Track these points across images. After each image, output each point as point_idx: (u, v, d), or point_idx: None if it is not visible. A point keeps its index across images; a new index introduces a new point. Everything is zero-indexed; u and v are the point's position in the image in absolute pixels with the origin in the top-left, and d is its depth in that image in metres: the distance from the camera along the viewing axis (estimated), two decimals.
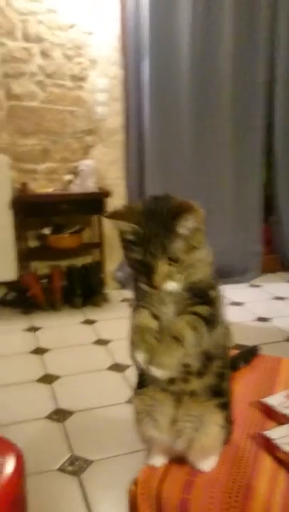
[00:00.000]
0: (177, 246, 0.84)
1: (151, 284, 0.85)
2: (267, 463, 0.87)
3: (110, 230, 3.61)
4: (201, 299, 0.90)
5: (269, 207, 4.09)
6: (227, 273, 3.82)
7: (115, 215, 0.86)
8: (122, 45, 3.50)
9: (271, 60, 3.77)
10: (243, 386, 0.97)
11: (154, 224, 0.84)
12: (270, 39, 3.73)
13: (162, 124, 3.55)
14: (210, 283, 0.92)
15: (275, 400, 1.02)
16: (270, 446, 0.89)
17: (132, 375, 0.95)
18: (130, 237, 0.85)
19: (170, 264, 0.85)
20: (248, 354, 1.28)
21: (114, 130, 3.61)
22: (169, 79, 3.52)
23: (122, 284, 3.71)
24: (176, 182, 3.67)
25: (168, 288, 0.86)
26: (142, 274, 0.86)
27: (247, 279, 3.87)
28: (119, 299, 3.49)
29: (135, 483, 0.86)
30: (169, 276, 0.85)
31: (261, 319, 3.06)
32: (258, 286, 3.79)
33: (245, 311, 3.20)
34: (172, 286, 0.87)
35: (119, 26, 3.46)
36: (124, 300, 3.47)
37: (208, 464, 0.88)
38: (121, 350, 2.62)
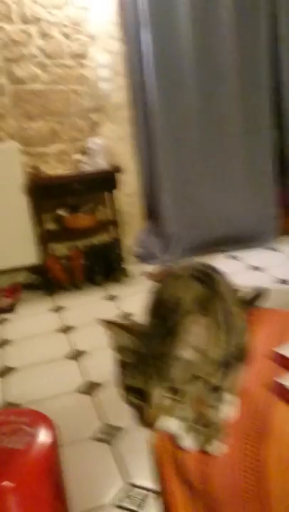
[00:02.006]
0: (178, 372, 0.71)
1: (144, 418, 0.71)
2: (280, 407, 0.90)
3: (126, 205, 3.64)
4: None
5: (284, 169, 4.04)
6: (244, 239, 3.83)
7: (114, 327, 0.76)
8: (121, 19, 3.45)
9: (276, 18, 3.67)
10: (257, 338, 0.99)
11: (152, 342, 0.72)
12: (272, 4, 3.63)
13: (168, 96, 3.53)
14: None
15: (287, 350, 1.04)
16: (283, 392, 0.92)
17: None
18: (125, 355, 0.74)
19: (168, 396, 0.71)
20: (259, 294, 1.28)
21: (120, 105, 3.60)
22: (171, 50, 3.48)
23: (141, 258, 3.75)
24: (186, 151, 3.67)
25: (164, 427, 0.74)
26: (133, 408, 0.73)
27: (264, 242, 3.86)
28: (138, 273, 3.54)
29: (158, 436, 0.91)
30: (167, 409, 0.71)
31: (282, 281, 3.06)
32: (275, 249, 3.78)
33: (265, 275, 3.20)
34: (171, 425, 0.74)
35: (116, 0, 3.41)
36: (143, 274, 3.51)
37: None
38: None
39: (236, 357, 0.92)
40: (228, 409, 0.89)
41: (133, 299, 3.06)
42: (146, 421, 0.71)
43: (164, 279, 0.91)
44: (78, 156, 3.47)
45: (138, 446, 1.69)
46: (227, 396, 0.88)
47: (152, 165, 3.68)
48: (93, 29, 3.39)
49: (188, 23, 3.45)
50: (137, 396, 0.73)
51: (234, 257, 3.65)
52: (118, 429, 1.79)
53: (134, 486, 1.51)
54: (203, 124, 3.67)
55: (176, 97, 3.57)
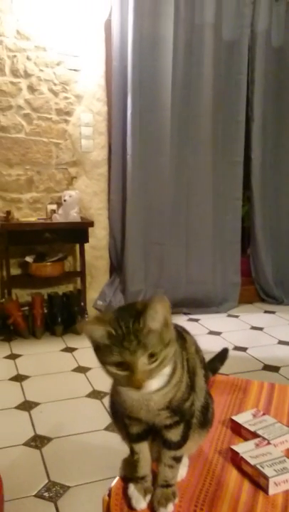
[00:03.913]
0: (153, 341, 0.83)
1: (133, 384, 0.83)
2: (233, 474, 0.92)
3: (92, 258, 3.69)
4: (177, 414, 0.90)
5: (247, 239, 4.22)
6: (206, 303, 3.92)
7: (88, 323, 0.87)
8: (107, 83, 3.65)
9: (250, 99, 3.97)
10: (214, 405, 1.03)
11: (127, 323, 0.83)
12: (248, 80, 3.94)
13: (143, 158, 3.68)
14: (183, 395, 0.92)
15: (242, 418, 1.08)
16: (236, 460, 0.95)
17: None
18: (106, 341, 0.84)
19: (150, 362, 0.83)
20: (222, 356, 1.35)
21: (99, 163, 3.72)
22: (150, 116, 3.66)
23: None
24: (156, 213, 3.78)
25: (150, 388, 0.84)
26: (121, 378, 0.84)
27: (225, 309, 3.96)
28: None
29: (109, 493, 0.91)
30: (149, 373, 0.83)
31: (238, 348, 3.12)
32: (235, 316, 3.88)
33: (223, 341, 3.27)
34: (153, 385, 0.85)
35: (104, 65, 3.62)
36: None
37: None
38: (100, 378, 2.65)
39: (199, 422, 0.96)
40: (182, 471, 0.91)
41: (91, 352, 3.03)
42: (135, 386, 0.83)
43: None
44: (52, 207, 3.53)
45: (83, 507, 1.65)
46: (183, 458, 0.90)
47: (123, 222, 3.77)
48: (81, 89, 3.56)
49: (169, 96, 3.66)
50: (122, 368, 0.83)
51: (195, 320, 3.71)
52: (65, 487, 1.75)
53: None
54: (175, 190, 3.82)
55: (152, 161, 3.72)
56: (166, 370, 0.87)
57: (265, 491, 0.88)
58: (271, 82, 4.01)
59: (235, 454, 0.95)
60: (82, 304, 3.49)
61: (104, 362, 0.86)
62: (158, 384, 0.86)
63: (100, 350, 0.86)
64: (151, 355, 0.83)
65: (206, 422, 0.98)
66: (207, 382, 1.02)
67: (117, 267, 3.88)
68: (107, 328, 0.84)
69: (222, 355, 1.35)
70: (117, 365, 0.83)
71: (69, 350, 3.13)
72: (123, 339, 0.82)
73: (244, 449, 0.95)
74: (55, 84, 3.47)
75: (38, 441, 2.06)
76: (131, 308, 0.86)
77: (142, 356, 0.82)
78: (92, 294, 3.75)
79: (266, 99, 4.00)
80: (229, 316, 3.89)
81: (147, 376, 0.83)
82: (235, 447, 0.96)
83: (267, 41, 3.93)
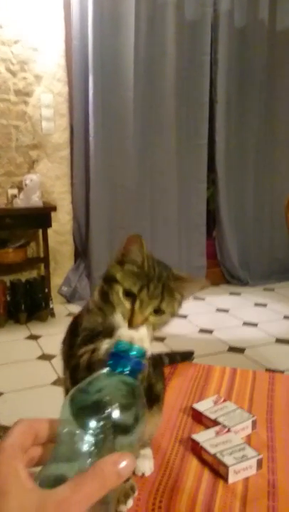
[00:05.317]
0: (169, 302, 0.87)
1: (131, 318, 0.83)
2: (193, 464, 0.91)
3: (56, 244, 3.62)
4: None
5: (212, 221, 4.22)
6: None
7: (140, 239, 0.86)
8: (67, 63, 3.54)
9: (214, 81, 3.93)
10: (175, 393, 1.01)
11: (161, 272, 0.87)
12: (212, 61, 3.89)
13: (106, 140, 3.61)
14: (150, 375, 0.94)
15: (203, 406, 1.07)
16: (196, 449, 0.94)
17: None
18: (134, 268, 0.85)
19: (154, 312, 0.86)
20: (186, 355, 1.35)
21: (61, 145, 3.63)
22: (113, 97, 3.58)
23: (68, 299, 3.71)
24: (120, 197, 3.73)
25: (140, 331, 0.84)
26: (121, 308, 0.85)
27: None
28: (64, 314, 3.48)
29: None
30: (146, 322, 0.85)
31: (204, 331, 3.13)
32: (201, 299, 3.89)
33: (189, 323, 3.27)
34: (143, 331, 0.84)
35: (64, 44, 3.50)
36: (69, 314, 3.46)
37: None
38: None
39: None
40: (148, 464, 0.89)
41: (56, 339, 2.98)
42: (132, 321, 0.83)
43: None
44: (13, 191, 3.43)
45: None
46: (145, 450, 0.88)
47: (87, 206, 3.71)
48: (40, 69, 3.44)
49: (131, 76, 3.58)
50: (128, 299, 0.85)
51: None
52: None
53: None
54: (140, 173, 3.77)
55: (115, 143, 3.65)
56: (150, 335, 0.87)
57: (225, 479, 0.87)
58: (234, 64, 3.98)
59: (196, 443, 0.93)
60: (46, 290, 3.42)
61: (117, 280, 0.85)
62: (147, 334, 0.85)
63: (122, 268, 0.86)
64: (158, 311, 0.86)
65: (152, 399, 0.95)
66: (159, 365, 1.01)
67: (81, 252, 3.82)
68: (145, 259, 0.85)
69: (186, 355, 1.36)
70: (127, 294, 0.84)
71: (33, 337, 3.08)
72: (150, 280, 0.84)
73: (204, 437, 0.94)
74: (12, 64, 3.34)
75: (1, 432, 2.01)
76: (167, 266, 0.90)
77: (154, 304, 0.84)
78: (57, 280, 3.69)
79: (229, 81, 3.97)
80: (195, 298, 3.90)
81: (144, 322, 0.84)
82: (195, 436, 0.95)
83: (230, 22, 3.88)
